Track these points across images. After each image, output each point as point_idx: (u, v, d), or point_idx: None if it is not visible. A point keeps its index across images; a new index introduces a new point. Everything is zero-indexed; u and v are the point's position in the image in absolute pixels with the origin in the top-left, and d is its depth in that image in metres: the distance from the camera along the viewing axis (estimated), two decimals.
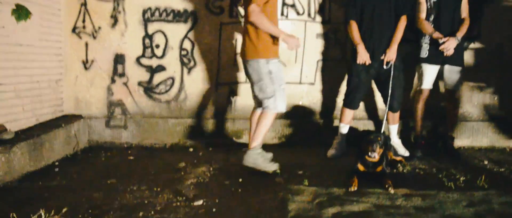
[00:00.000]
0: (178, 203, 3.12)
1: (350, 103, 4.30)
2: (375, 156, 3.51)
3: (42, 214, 2.66)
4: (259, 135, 3.74)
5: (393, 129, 4.42)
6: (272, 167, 3.79)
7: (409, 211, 2.99)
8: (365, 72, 4.21)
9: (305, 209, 3.00)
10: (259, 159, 3.74)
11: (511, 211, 3.02)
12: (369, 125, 4.86)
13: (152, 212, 2.94)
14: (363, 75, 4.21)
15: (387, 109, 4.25)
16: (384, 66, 4.15)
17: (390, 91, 4.18)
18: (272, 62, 3.69)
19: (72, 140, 4.54)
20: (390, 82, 4.16)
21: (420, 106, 4.42)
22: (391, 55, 4.11)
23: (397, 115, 4.39)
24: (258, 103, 3.94)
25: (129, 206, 3.05)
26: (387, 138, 3.74)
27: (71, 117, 4.81)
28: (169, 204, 3.09)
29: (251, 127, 4.02)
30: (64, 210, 2.83)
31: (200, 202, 3.14)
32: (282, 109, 3.76)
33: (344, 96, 4.39)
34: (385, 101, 4.27)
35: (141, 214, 2.90)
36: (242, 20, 4.71)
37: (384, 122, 4.20)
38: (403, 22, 4.14)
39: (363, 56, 4.11)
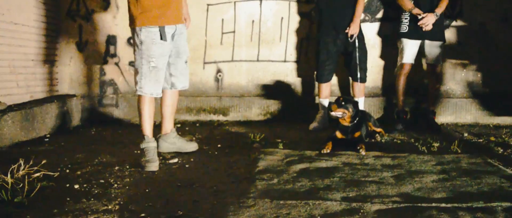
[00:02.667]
0: None
1: (321, 76, 4.47)
2: (337, 115, 3.61)
3: (22, 163, 2.81)
4: (141, 123, 3.27)
5: (361, 102, 4.53)
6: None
7: (375, 167, 3.08)
8: (333, 45, 4.39)
9: (274, 165, 3.12)
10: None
11: (477, 169, 3.08)
12: None
13: (127, 166, 3.10)
14: (331, 48, 4.39)
15: (358, 80, 4.44)
16: (349, 39, 4.34)
17: (357, 62, 4.37)
18: (146, 31, 3.13)
19: (64, 116, 4.72)
20: (357, 54, 4.36)
21: (401, 81, 4.51)
22: (354, 28, 4.31)
23: (363, 86, 4.53)
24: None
25: (107, 163, 3.21)
26: (354, 102, 3.79)
27: (65, 95, 5.00)
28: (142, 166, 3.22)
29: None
30: (43, 161, 2.98)
31: (176, 160, 3.29)
32: (149, 92, 3.21)
33: (315, 71, 4.56)
34: (351, 74, 4.47)
35: (116, 168, 3.06)
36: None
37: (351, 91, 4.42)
38: None
39: None
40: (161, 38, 3.14)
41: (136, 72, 3.20)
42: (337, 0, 4.37)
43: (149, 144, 3.17)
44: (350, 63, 4.45)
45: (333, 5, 4.36)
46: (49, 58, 4.91)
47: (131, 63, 5.04)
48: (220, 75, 5.05)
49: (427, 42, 4.41)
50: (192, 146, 3.60)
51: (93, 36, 5.04)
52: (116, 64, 5.05)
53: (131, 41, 4.88)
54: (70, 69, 5.08)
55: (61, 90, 5.09)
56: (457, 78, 4.96)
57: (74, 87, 5.10)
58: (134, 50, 3.22)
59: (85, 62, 5.08)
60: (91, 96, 5.09)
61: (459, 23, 4.88)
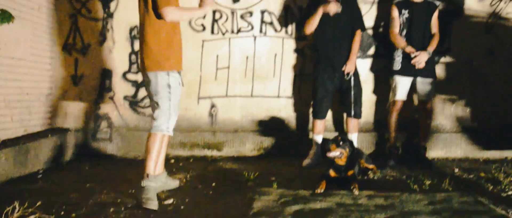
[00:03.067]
0: None
1: (318, 113, 4.54)
2: (335, 155, 3.66)
3: (16, 206, 2.81)
4: (147, 161, 3.33)
5: (355, 138, 4.59)
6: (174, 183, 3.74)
7: (369, 209, 3.12)
8: (330, 82, 4.47)
9: (269, 207, 3.14)
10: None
11: (468, 208, 3.14)
12: None
13: (123, 209, 3.10)
14: (328, 85, 4.47)
15: (352, 116, 4.50)
16: (346, 77, 4.43)
17: (353, 98, 4.45)
18: (173, 76, 3.35)
19: (58, 150, 4.72)
20: (352, 90, 4.44)
21: (393, 117, 4.61)
22: (351, 66, 4.41)
23: (357, 122, 4.59)
24: None
25: (102, 204, 3.22)
26: (351, 142, 3.85)
27: (59, 129, 5.01)
28: (140, 203, 3.24)
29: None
30: (38, 203, 2.99)
31: (170, 201, 3.30)
32: (171, 131, 3.43)
33: (312, 108, 4.63)
34: (347, 110, 4.54)
35: (112, 209, 3.07)
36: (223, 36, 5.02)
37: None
38: (358, 36, 4.51)
39: (333, 6, 4.30)
40: (181, 83, 3.45)
41: (162, 113, 3.34)
42: (334, 38, 4.46)
43: (151, 183, 3.25)
44: (346, 100, 4.52)
45: (330, 43, 4.46)
46: (44, 92, 4.94)
47: (126, 98, 5.09)
48: (214, 111, 5.10)
49: (419, 79, 4.52)
50: (175, 183, 3.74)
51: (89, 70, 5.09)
52: (111, 98, 5.09)
53: (127, 76, 5.06)
54: (64, 103, 5.10)
55: (56, 123, 5.10)
56: (446, 113, 5.06)
57: (68, 121, 5.11)
58: (155, 93, 3.34)
59: (80, 96, 5.11)
60: (85, 131, 5.10)
61: (447, 59, 5.01)
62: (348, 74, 4.42)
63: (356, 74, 4.52)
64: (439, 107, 5.05)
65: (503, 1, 4.98)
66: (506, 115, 5.00)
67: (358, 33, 4.51)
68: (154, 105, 3.40)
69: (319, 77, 4.52)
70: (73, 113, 5.12)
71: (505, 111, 5.00)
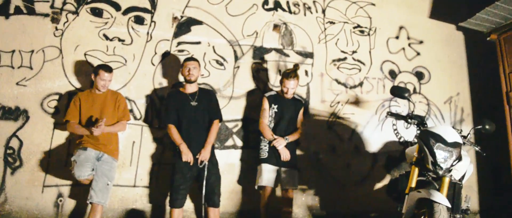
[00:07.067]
0: None
1: (174, 201, 4.39)
2: None
3: None
4: None
5: None
6: None
7: None
8: (188, 169, 4.43)
9: None
10: None
11: None
12: None
13: None
14: (185, 172, 4.43)
15: (212, 205, 4.44)
16: (199, 165, 4.44)
17: (212, 187, 4.46)
18: None
19: None
20: (211, 179, 4.47)
21: (263, 203, 4.70)
22: (205, 154, 4.46)
23: (218, 211, 4.53)
24: None
25: None
26: None
27: None
28: None
29: None
30: None
31: None
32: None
33: (169, 196, 4.49)
34: (206, 199, 4.46)
35: None
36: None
37: None
38: (215, 126, 4.66)
39: (187, 155, 4.38)
40: None
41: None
42: (191, 127, 4.52)
43: None
44: (204, 189, 4.46)
45: (187, 132, 4.50)
46: None
47: None
48: (61, 201, 4.61)
49: (283, 169, 4.75)
50: None
51: None
52: None
53: None
54: None
55: None
56: (298, 202, 5.33)
57: None
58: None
59: None
60: None
61: (298, 152, 5.40)
62: (202, 162, 4.45)
63: (214, 162, 4.58)
64: (294, 196, 5.29)
65: (340, 104, 5.70)
66: (347, 202, 5.46)
67: (216, 122, 4.66)
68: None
69: (176, 164, 4.45)
70: None
71: (346, 198, 5.47)
